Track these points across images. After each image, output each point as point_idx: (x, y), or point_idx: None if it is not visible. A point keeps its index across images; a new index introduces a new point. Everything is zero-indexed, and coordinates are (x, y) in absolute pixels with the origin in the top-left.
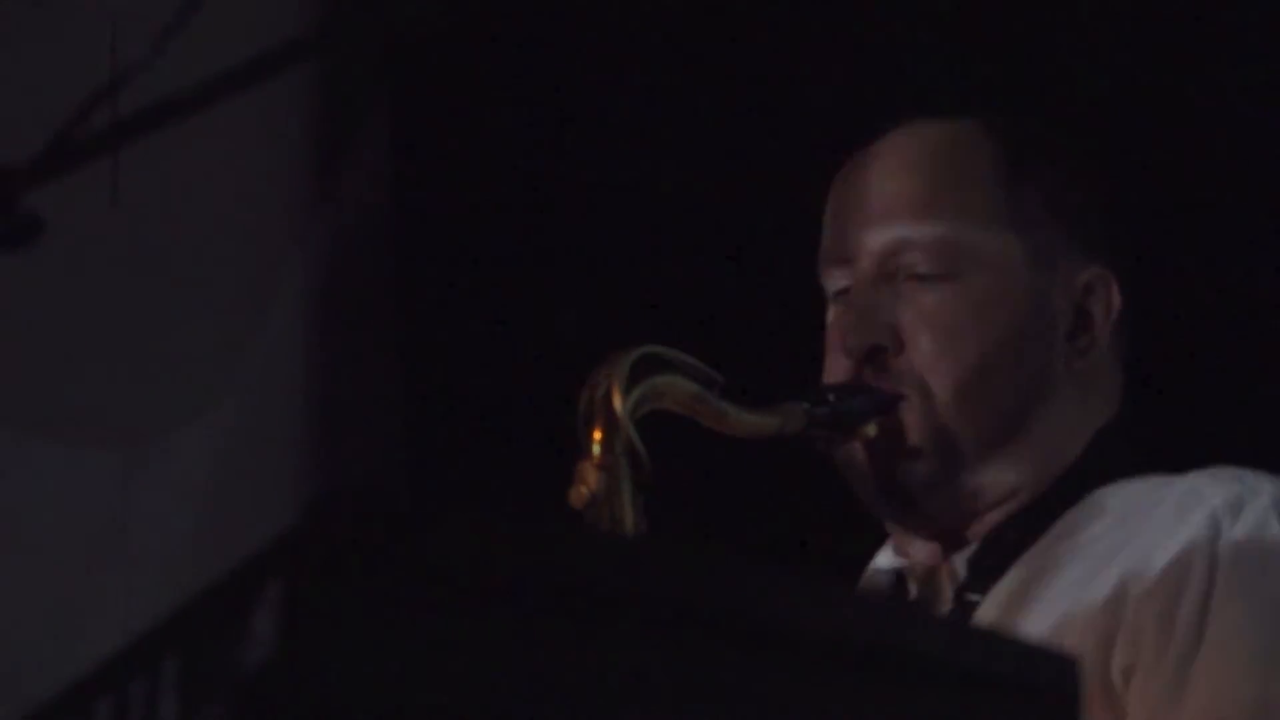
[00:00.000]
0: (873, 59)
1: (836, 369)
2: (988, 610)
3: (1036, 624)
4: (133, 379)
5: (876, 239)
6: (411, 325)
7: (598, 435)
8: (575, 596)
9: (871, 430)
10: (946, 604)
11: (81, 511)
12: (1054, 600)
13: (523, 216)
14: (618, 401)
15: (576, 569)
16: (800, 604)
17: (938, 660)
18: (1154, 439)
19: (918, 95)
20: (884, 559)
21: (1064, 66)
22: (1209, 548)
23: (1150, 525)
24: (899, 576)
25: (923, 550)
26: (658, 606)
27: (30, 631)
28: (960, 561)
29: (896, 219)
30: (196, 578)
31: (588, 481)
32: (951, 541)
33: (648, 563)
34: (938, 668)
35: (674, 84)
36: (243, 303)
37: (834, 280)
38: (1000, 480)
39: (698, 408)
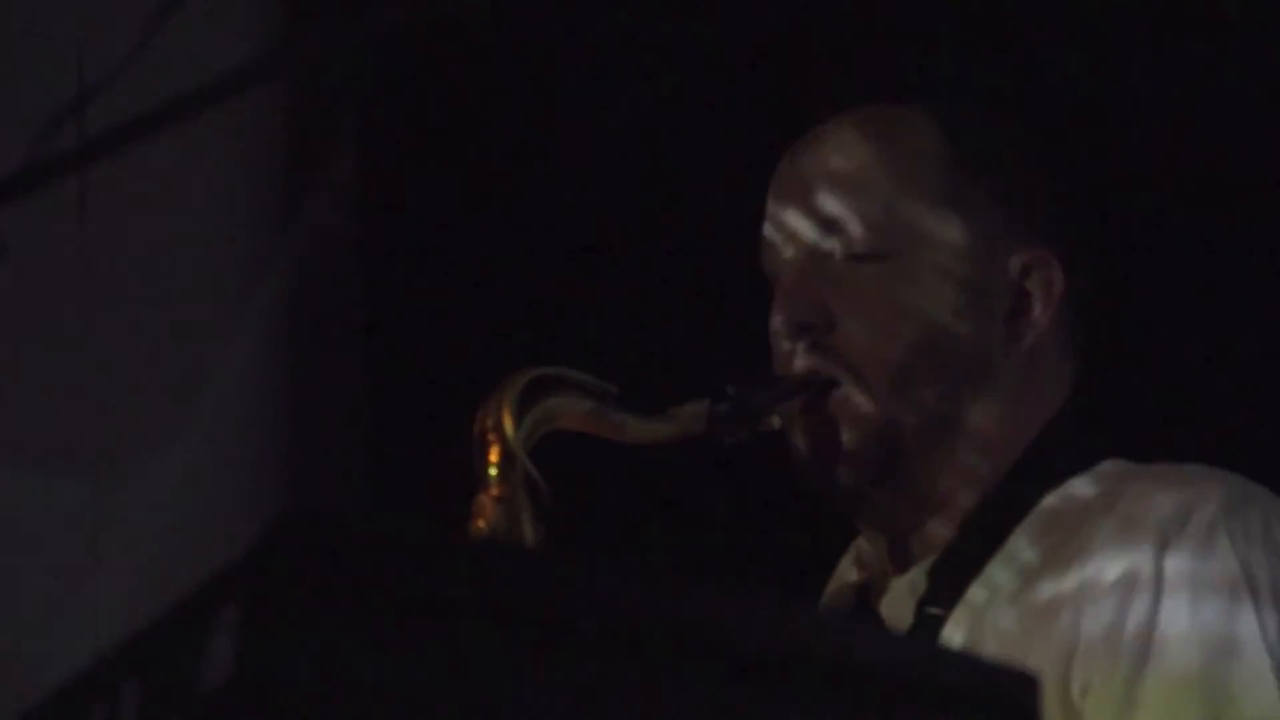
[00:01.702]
0: (819, 51)
1: (775, 350)
2: (953, 629)
3: (1003, 643)
4: (100, 403)
5: (811, 217)
6: (378, 344)
7: (493, 466)
8: (534, 614)
9: (776, 422)
10: (907, 616)
11: (51, 537)
12: (1018, 617)
13: (490, 235)
14: (510, 429)
15: (534, 587)
16: (755, 622)
17: (897, 678)
18: (1107, 426)
19: (860, 86)
20: (845, 572)
21: (1014, 53)
22: (1156, 562)
23: (1102, 539)
24: (861, 589)
25: (882, 558)
26: (617, 626)
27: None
28: (920, 573)
29: (832, 198)
30: (168, 602)
31: (485, 514)
32: (910, 551)
33: (600, 582)
34: (897, 686)
35: (638, 99)
36: (211, 324)
37: (773, 265)
38: (946, 473)
39: (595, 424)
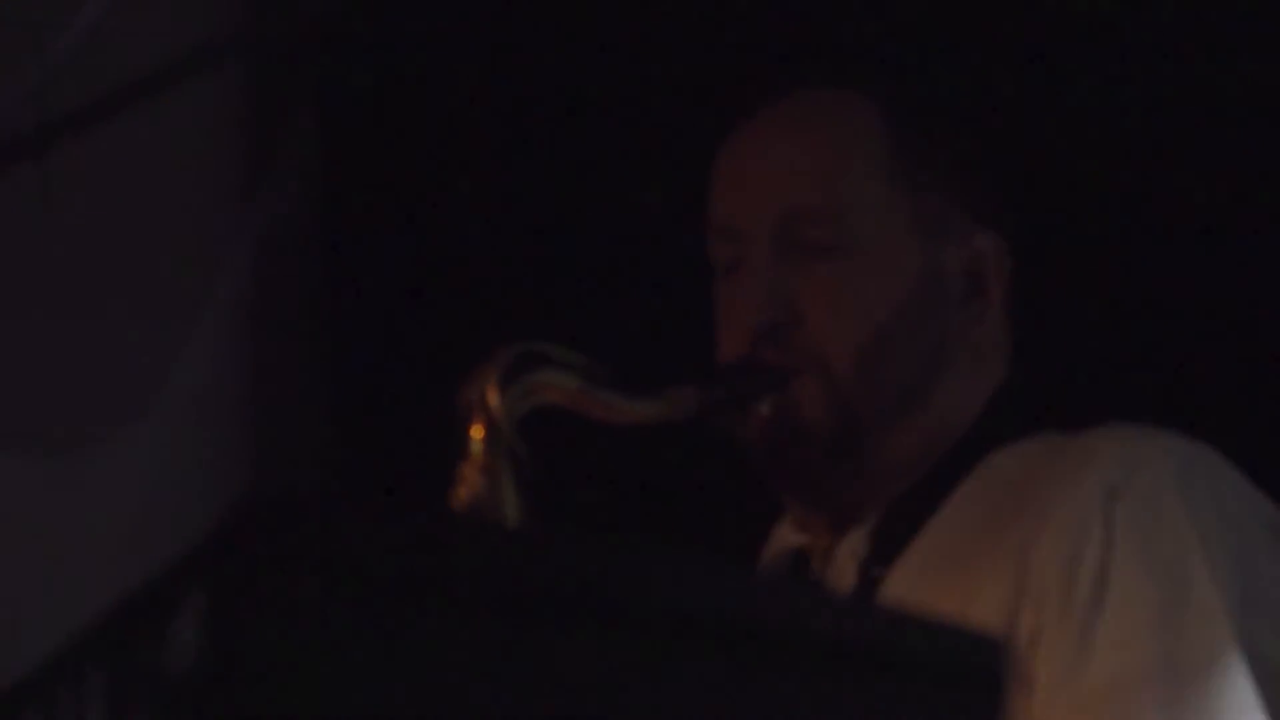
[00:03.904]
0: (750, 25)
1: (733, 345)
2: (894, 585)
3: (944, 598)
4: (63, 386)
5: (768, 212)
6: (341, 326)
7: (477, 436)
8: (496, 593)
9: (766, 409)
10: (850, 579)
11: (13, 522)
12: (960, 572)
13: (453, 216)
14: (495, 401)
15: (497, 565)
16: (709, 590)
17: (861, 645)
18: (1044, 399)
19: (802, 62)
20: (784, 535)
21: (955, 35)
22: (1105, 509)
23: (1047, 489)
24: (800, 554)
25: (824, 525)
26: (577, 599)
27: None
28: (862, 536)
29: (788, 190)
30: (133, 586)
31: (469, 483)
32: (852, 515)
33: (561, 555)
34: (861, 652)
35: (603, 77)
36: (174, 306)
37: (724, 253)
38: (899, 451)
39: (582, 400)
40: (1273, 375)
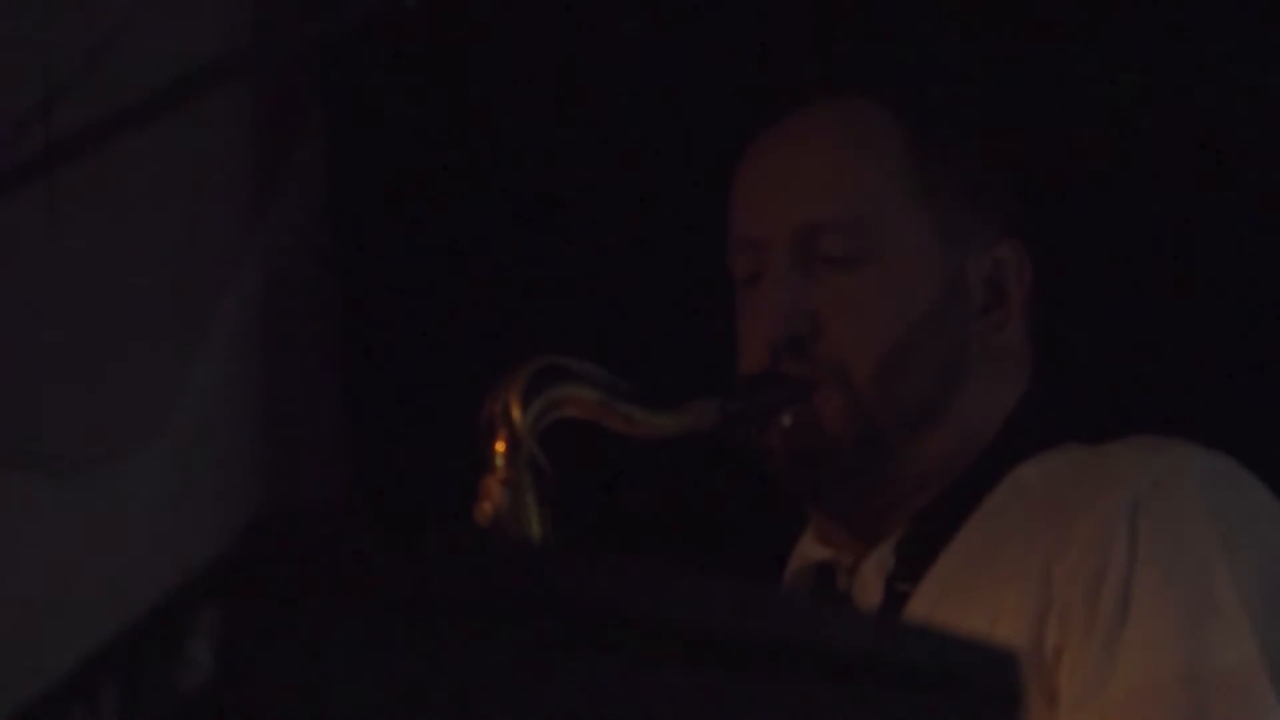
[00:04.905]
0: (768, 35)
1: (753, 357)
2: (921, 601)
3: (971, 613)
4: (76, 407)
5: (788, 223)
6: (354, 340)
7: (500, 449)
8: (513, 610)
9: (787, 421)
10: (876, 594)
11: (30, 540)
12: (986, 587)
13: (461, 231)
14: (517, 414)
15: (514, 583)
16: (725, 606)
17: (876, 660)
18: (1067, 409)
19: (820, 72)
20: (809, 550)
21: (973, 43)
22: (1130, 522)
23: (1072, 502)
24: (825, 568)
25: (848, 539)
26: (589, 615)
27: None
28: (887, 550)
29: (807, 202)
30: (149, 603)
31: (492, 497)
32: (876, 529)
33: (576, 571)
34: (876, 668)
35: (611, 89)
36: (185, 325)
37: (744, 265)
38: (922, 463)
39: (603, 414)
40: None
